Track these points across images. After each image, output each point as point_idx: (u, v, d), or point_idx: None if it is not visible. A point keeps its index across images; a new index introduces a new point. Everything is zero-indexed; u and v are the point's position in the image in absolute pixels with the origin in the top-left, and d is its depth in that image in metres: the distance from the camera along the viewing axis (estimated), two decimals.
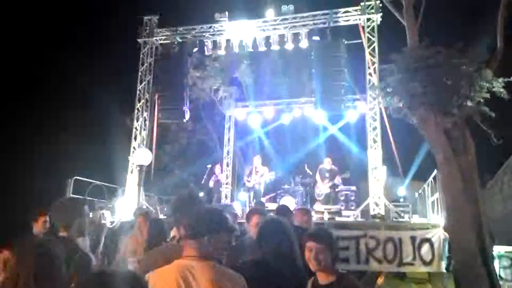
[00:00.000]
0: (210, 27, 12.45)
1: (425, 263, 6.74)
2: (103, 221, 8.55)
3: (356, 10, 11.29)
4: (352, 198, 11.27)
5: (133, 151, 12.03)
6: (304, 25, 11.67)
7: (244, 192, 11.66)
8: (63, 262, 2.17)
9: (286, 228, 2.77)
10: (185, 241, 2.17)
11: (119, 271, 1.57)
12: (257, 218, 3.51)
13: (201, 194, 11.88)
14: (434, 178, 7.93)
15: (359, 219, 9.79)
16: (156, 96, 12.61)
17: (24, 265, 1.98)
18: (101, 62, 17.89)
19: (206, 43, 12.46)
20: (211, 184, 12.13)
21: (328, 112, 12.18)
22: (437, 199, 7.70)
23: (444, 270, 6.62)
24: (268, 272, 2.52)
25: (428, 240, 6.80)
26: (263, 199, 11.27)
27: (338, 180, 10.76)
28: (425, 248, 6.76)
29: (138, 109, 12.64)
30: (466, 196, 5.98)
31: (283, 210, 4.84)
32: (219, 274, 2.02)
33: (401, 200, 11.35)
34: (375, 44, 10.83)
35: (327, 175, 10.90)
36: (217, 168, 12.47)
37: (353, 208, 10.86)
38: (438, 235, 6.76)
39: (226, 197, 14.73)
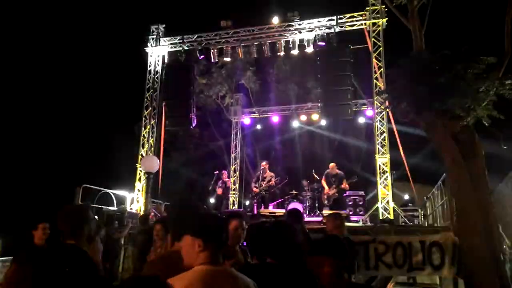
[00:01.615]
0: (216, 35, 12.54)
1: (435, 268, 6.66)
2: None
3: (361, 15, 11.31)
4: (360, 203, 11.20)
5: (141, 159, 12.10)
6: (309, 31, 11.71)
7: (252, 198, 11.66)
8: (67, 274, 2.15)
9: (293, 232, 2.76)
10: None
11: (146, 277, 1.59)
12: (236, 222, 3.40)
13: (211, 200, 11.90)
14: (443, 182, 7.88)
15: (367, 224, 9.73)
16: (163, 104, 12.70)
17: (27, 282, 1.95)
18: (108, 71, 18.07)
19: (212, 51, 12.54)
20: (219, 191, 12.12)
21: (334, 117, 12.16)
22: (446, 203, 7.64)
23: (454, 275, 6.55)
24: (277, 276, 2.51)
25: (438, 245, 6.73)
26: (270, 206, 11.26)
27: (345, 185, 10.69)
28: (435, 252, 6.69)
29: (145, 116, 12.73)
30: (476, 199, 5.92)
31: (294, 214, 4.81)
32: (238, 281, 2.03)
33: (410, 204, 11.29)
34: (381, 49, 10.84)
35: (333, 180, 10.86)
36: (224, 175, 12.46)
37: (361, 213, 10.80)
38: (448, 239, 6.70)
39: (233, 203, 14.74)
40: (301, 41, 11.77)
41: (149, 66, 13.04)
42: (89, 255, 2.91)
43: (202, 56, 12.87)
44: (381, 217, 9.72)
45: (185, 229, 2.04)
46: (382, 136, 10.48)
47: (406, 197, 12.35)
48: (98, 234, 3.03)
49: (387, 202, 9.95)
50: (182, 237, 2.01)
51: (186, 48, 12.84)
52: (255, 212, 10.73)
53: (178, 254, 2.23)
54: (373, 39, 11.01)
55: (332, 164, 11.13)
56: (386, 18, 10.92)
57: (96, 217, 3.22)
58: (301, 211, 6.08)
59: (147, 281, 1.52)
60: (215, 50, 12.55)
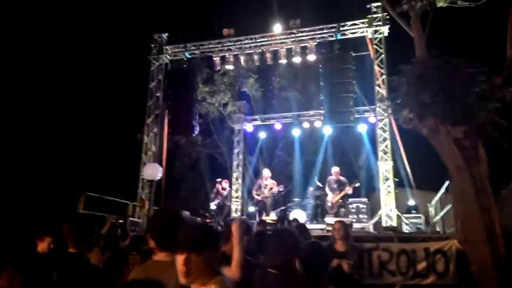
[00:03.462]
0: (219, 43, 12.60)
1: (440, 276, 6.61)
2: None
3: (363, 23, 11.36)
4: (364, 210, 11.15)
5: (144, 166, 12.10)
6: (311, 39, 11.75)
7: (253, 206, 11.61)
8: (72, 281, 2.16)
9: (293, 240, 2.66)
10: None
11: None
12: (250, 236, 3.37)
13: (213, 208, 11.83)
14: (447, 188, 7.84)
15: (371, 231, 9.68)
16: (166, 111, 12.74)
17: None
18: (111, 79, 18.17)
19: (214, 59, 12.60)
20: (217, 199, 12.00)
21: (337, 124, 12.16)
22: (450, 209, 7.59)
23: (459, 283, 6.49)
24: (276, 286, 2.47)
25: (442, 252, 6.69)
26: (272, 213, 11.21)
27: (347, 190, 10.59)
28: (440, 260, 6.64)
29: (148, 124, 12.76)
30: (479, 206, 5.88)
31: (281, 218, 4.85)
32: None
33: (414, 211, 11.22)
34: (383, 56, 10.86)
35: (335, 186, 10.78)
36: (220, 184, 12.29)
37: (364, 220, 10.74)
38: (452, 246, 6.65)
39: (236, 210, 14.70)
40: (303, 48, 11.82)
41: (152, 74, 13.10)
42: (92, 263, 2.93)
43: (204, 64, 12.94)
44: (384, 225, 9.66)
45: (207, 243, 1.98)
46: (385, 143, 10.46)
47: (410, 204, 12.26)
48: (98, 244, 3.05)
49: (390, 209, 9.90)
50: (201, 252, 1.93)
51: (188, 56, 12.91)
52: (258, 219, 10.69)
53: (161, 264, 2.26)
54: (375, 46, 11.04)
55: (335, 170, 11.01)
56: (388, 26, 10.96)
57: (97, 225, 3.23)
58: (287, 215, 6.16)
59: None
60: (218, 58, 12.61)
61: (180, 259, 1.89)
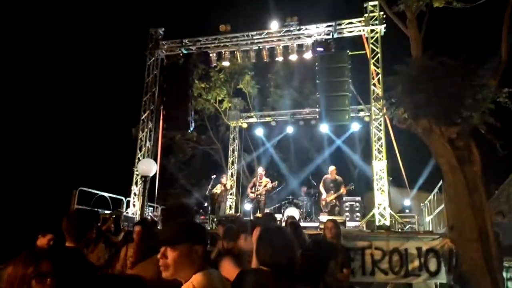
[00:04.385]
0: (215, 39, 12.56)
1: (432, 274, 6.68)
2: None
3: (359, 22, 11.37)
4: (357, 208, 11.19)
5: (138, 162, 12.06)
6: (308, 37, 11.76)
7: (248, 203, 11.63)
8: (70, 278, 2.17)
9: (285, 238, 2.65)
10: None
11: (124, 276, 1.59)
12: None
13: (205, 204, 11.86)
14: (440, 188, 7.90)
15: (364, 229, 9.72)
16: (161, 107, 12.68)
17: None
18: (107, 74, 18.08)
19: (210, 55, 12.56)
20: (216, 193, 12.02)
21: (332, 123, 12.18)
22: (443, 209, 7.65)
23: (451, 282, 6.55)
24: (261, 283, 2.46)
25: (434, 251, 6.75)
26: (267, 210, 11.24)
27: (343, 191, 10.68)
28: (432, 259, 6.70)
29: (143, 120, 12.71)
30: (472, 206, 5.93)
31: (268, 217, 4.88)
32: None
33: (407, 211, 11.29)
34: (379, 55, 10.88)
35: (331, 185, 10.84)
36: (224, 179, 12.35)
37: (358, 218, 10.80)
38: (445, 246, 6.71)
39: (230, 207, 14.71)
40: (300, 46, 11.81)
41: (148, 69, 13.03)
42: (88, 259, 2.93)
43: (200, 60, 12.90)
44: (377, 223, 9.72)
45: (184, 237, 2.00)
46: (380, 142, 10.50)
47: (403, 203, 12.34)
48: (100, 240, 3.06)
49: (384, 208, 9.95)
50: (176, 245, 1.95)
51: (184, 51, 12.85)
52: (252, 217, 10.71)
53: None
54: (371, 45, 11.06)
55: (332, 169, 11.05)
56: (385, 25, 10.97)
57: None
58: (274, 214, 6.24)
59: (129, 281, 1.54)
60: (214, 54, 12.56)
61: (159, 252, 1.96)
